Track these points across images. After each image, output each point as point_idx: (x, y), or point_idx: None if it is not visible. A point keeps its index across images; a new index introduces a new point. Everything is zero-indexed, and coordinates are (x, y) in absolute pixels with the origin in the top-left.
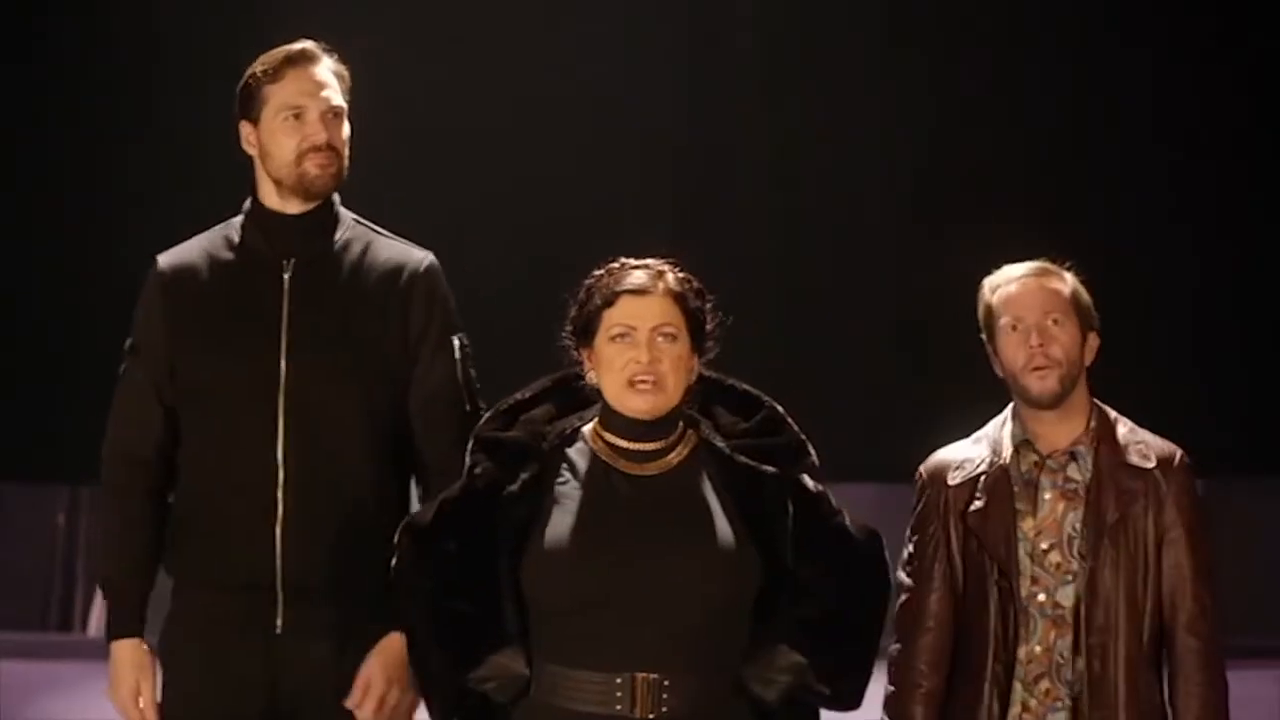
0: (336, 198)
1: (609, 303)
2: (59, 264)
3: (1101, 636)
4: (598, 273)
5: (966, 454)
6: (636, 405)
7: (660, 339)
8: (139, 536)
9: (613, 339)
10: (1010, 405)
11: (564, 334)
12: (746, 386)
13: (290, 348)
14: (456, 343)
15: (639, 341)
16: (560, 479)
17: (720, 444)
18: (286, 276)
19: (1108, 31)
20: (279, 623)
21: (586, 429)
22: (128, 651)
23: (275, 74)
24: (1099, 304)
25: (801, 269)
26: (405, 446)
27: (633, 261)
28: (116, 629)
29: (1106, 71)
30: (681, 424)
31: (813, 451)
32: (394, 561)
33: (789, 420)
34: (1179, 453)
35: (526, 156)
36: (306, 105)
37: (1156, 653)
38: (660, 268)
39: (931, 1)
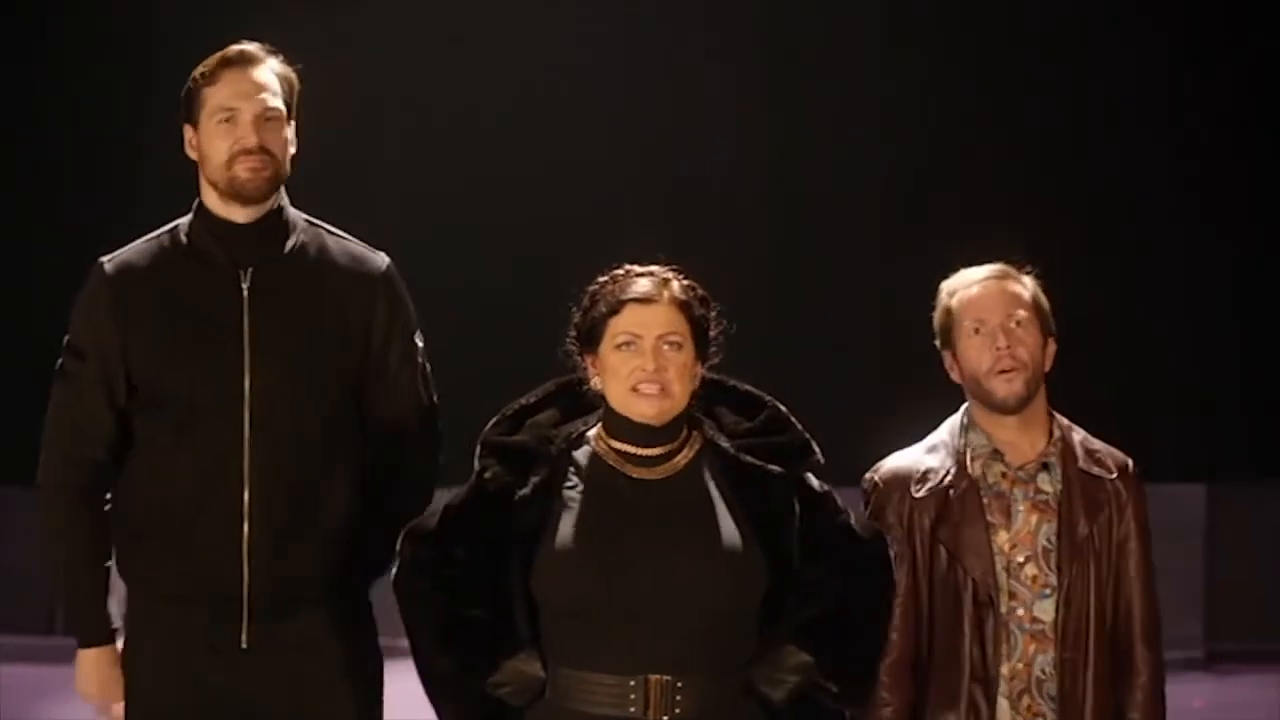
0: (285, 200)
1: (614, 310)
2: (62, 266)
3: (1073, 652)
4: (602, 279)
5: (926, 464)
6: (643, 411)
7: (666, 347)
8: (98, 541)
9: (618, 347)
10: (962, 413)
11: (568, 340)
12: (748, 387)
13: (254, 360)
14: (419, 343)
15: (644, 350)
16: (568, 483)
17: (725, 444)
18: (245, 287)
19: (1107, 32)
20: (244, 637)
21: (592, 433)
22: (107, 658)
23: (212, 76)
24: (1100, 309)
25: (798, 273)
26: (362, 449)
27: (637, 269)
28: (91, 635)
29: (1105, 76)
30: (686, 427)
31: (817, 450)
32: (395, 569)
33: (792, 419)
34: (1130, 461)
35: (526, 160)
36: (239, 108)
37: (1114, 662)
38: (665, 275)
39: (931, 4)
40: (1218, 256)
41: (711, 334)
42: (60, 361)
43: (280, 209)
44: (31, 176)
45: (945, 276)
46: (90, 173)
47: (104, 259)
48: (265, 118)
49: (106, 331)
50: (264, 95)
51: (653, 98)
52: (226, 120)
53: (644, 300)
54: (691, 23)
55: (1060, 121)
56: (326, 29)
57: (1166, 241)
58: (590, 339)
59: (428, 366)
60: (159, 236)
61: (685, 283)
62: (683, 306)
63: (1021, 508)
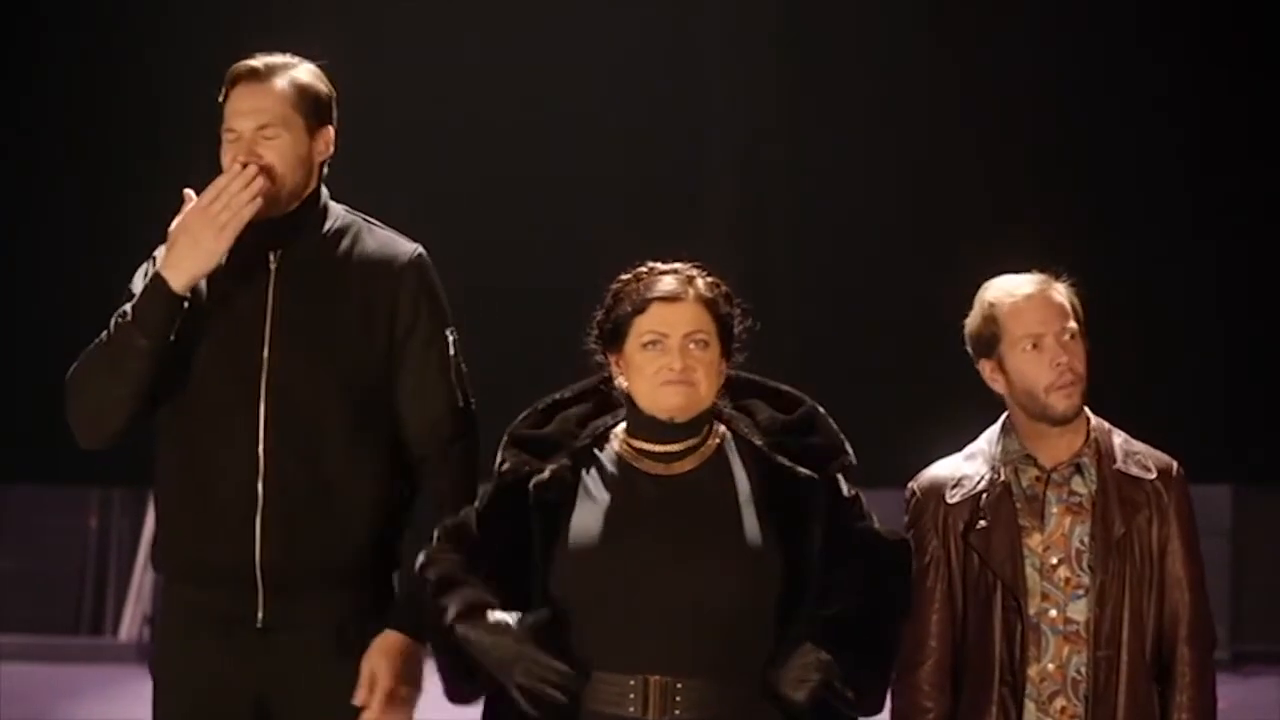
0: (325, 192)
1: (640, 309)
2: (88, 267)
3: (1108, 650)
4: (625, 277)
5: (963, 471)
6: (670, 403)
7: (693, 346)
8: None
9: (645, 346)
10: (1001, 420)
11: (591, 338)
12: (786, 387)
13: (273, 341)
14: (450, 337)
15: (671, 348)
16: (589, 478)
17: (759, 441)
18: (273, 268)
19: (1119, 34)
20: (260, 616)
21: (617, 429)
22: None
23: (225, 92)
24: (1124, 313)
25: (806, 279)
26: (393, 441)
27: (661, 266)
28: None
29: (1115, 80)
30: (708, 423)
31: (850, 451)
32: (420, 561)
33: (828, 419)
34: (1175, 464)
35: (545, 161)
36: (234, 129)
37: (1157, 664)
38: (689, 273)
39: (953, 5)
40: (1246, 257)
41: (736, 331)
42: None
43: (315, 198)
44: (42, 177)
45: (968, 279)
46: (107, 176)
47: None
48: (260, 136)
49: None
50: (253, 117)
51: (673, 101)
52: (231, 140)
53: (669, 298)
54: (713, 25)
55: (1084, 122)
56: (341, 30)
57: (1194, 242)
58: (614, 337)
59: (462, 364)
60: None
61: (710, 280)
62: (708, 304)
63: (1055, 510)
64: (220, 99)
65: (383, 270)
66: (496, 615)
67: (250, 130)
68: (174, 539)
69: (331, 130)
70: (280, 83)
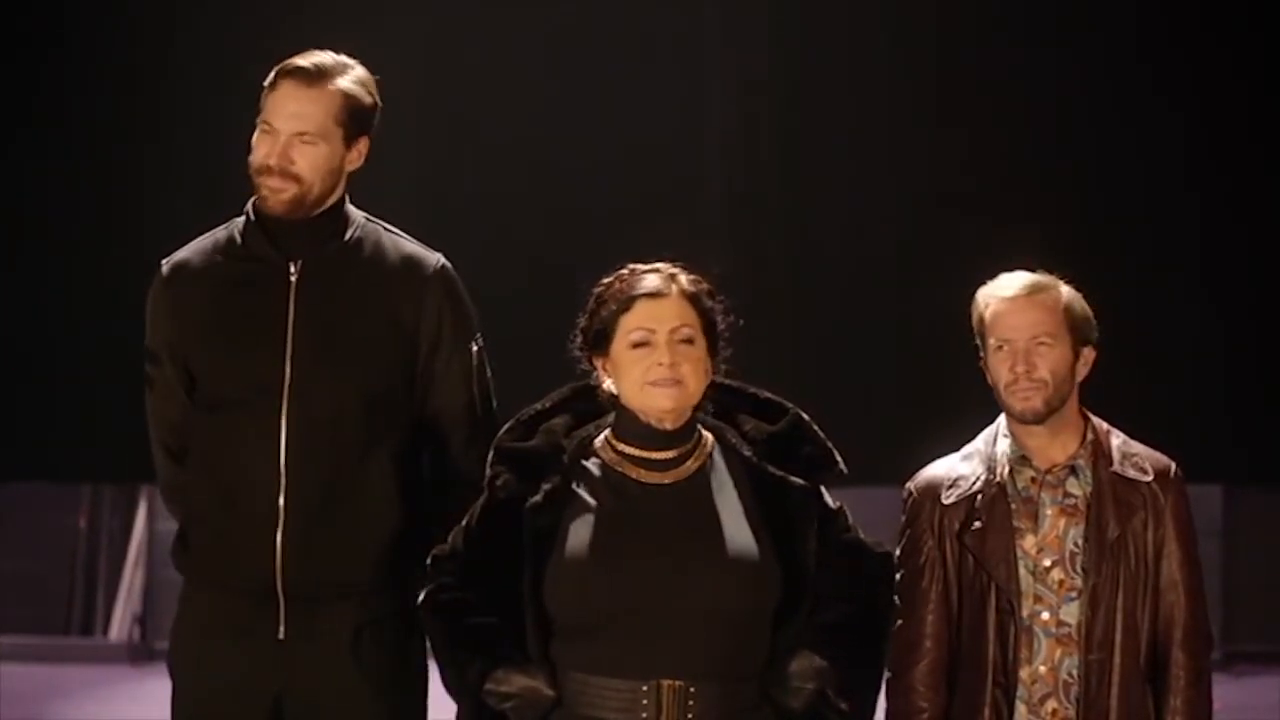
0: (344, 198)
1: (625, 308)
2: (81, 267)
3: (1100, 653)
4: (606, 280)
5: (959, 471)
6: (660, 404)
7: (680, 343)
8: None
9: (633, 346)
10: (1000, 420)
11: (575, 343)
12: (768, 394)
13: (294, 352)
14: (474, 348)
15: (659, 344)
16: (579, 491)
17: (748, 452)
18: (293, 279)
19: (1120, 33)
20: (282, 629)
21: (599, 439)
22: None
23: (272, 83)
24: (1124, 314)
25: (805, 279)
26: (414, 450)
27: (641, 266)
28: None
29: (1117, 80)
30: (697, 432)
31: (840, 460)
32: (422, 593)
33: (814, 427)
34: (1173, 465)
35: (536, 161)
36: (272, 125)
37: (1150, 668)
38: (671, 270)
39: (943, 10)
40: (1244, 259)
41: (720, 327)
42: (146, 368)
43: (336, 206)
44: (46, 176)
45: (968, 279)
46: (105, 173)
47: (164, 260)
48: (295, 138)
49: (166, 331)
50: (292, 120)
51: (661, 109)
52: (265, 132)
53: (654, 295)
54: (706, 38)
55: (1085, 122)
56: (343, 30)
57: (1192, 243)
58: (600, 339)
59: (487, 371)
60: (215, 234)
61: (691, 277)
62: (692, 299)
63: (1049, 512)
64: (265, 84)
65: (406, 282)
66: (520, 680)
67: (288, 132)
68: (196, 548)
69: (367, 141)
70: (328, 90)
